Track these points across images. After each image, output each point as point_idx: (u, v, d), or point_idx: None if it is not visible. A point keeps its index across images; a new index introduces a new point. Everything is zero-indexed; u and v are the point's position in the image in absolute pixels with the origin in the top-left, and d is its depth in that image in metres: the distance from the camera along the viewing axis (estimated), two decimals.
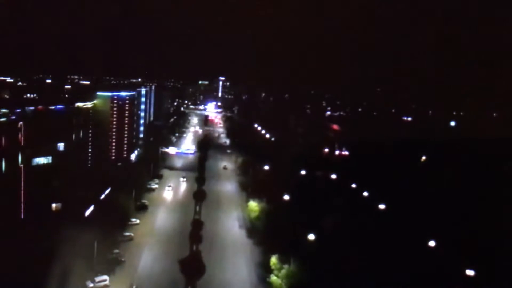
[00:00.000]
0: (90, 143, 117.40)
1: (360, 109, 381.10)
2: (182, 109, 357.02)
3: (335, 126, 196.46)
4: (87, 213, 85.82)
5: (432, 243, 76.91)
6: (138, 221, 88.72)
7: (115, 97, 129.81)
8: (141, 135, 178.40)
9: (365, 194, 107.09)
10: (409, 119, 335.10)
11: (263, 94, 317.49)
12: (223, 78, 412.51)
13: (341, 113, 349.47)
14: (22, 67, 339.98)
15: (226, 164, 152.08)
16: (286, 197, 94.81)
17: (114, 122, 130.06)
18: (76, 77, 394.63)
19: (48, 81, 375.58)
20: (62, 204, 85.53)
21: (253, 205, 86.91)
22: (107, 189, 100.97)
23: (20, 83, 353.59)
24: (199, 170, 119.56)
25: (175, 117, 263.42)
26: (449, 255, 71.50)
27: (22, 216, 77.45)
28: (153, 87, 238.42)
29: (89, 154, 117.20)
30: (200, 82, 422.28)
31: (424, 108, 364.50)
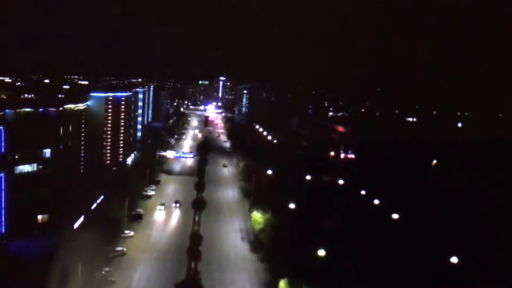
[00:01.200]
0: (82, 147, 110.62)
1: (363, 110, 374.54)
2: (181, 109, 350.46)
3: (339, 128, 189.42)
4: (76, 224, 78.81)
5: (454, 260, 69.80)
6: (132, 233, 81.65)
7: (110, 98, 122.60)
8: (139, 137, 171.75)
9: (376, 201, 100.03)
10: (414, 119, 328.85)
11: (264, 94, 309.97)
12: (223, 78, 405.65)
13: (345, 113, 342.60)
14: (22, 66, 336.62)
15: (226, 162, 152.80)
16: (292, 206, 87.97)
17: (109, 125, 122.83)
18: (76, 77, 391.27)
19: (46, 81, 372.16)
20: (49, 215, 78.51)
21: (257, 216, 79.82)
22: (99, 197, 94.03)
23: (19, 83, 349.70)
24: (199, 176, 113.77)
25: (174, 118, 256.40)
26: (475, 273, 64.73)
27: (2, 230, 70.43)
28: (151, 87, 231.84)
29: (81, 159, 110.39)
30: (200, 82, 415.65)
31: (428, 109, 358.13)
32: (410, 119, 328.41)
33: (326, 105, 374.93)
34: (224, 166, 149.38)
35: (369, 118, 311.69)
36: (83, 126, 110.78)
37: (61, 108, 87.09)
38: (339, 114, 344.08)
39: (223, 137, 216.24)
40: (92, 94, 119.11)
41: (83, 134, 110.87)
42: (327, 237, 73.25)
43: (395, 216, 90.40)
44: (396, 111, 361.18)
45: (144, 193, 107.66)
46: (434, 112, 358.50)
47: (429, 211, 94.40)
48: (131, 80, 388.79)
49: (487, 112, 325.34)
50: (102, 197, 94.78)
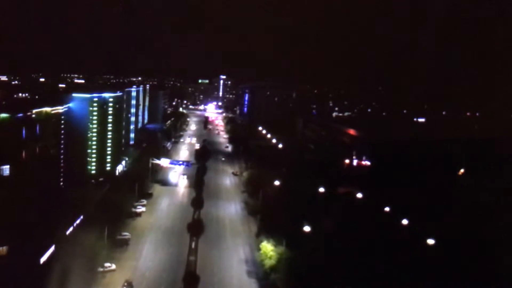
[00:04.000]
0: (62, 157, 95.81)
1: (369, 110, 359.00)
2: (180, 109, 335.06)
3: (351, 131, 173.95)
4: (44, 257, 63.91)
5: None
6: (113, 266, 66.62)
7: (95, 99, 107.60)
8: (132, 142, 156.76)
9: (404, 221, 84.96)
10: (423, 120, 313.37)
11: (268, 93, 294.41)
12: (224, 77, 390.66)
13: (351, 114, 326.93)
14: (20, 65, 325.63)
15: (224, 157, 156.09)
16: (307, 228, 73.29)
17: (94, 129, 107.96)
18: (76, 75, 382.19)
19: (42, 79, 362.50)
20: (9, 247, 63.56)
21: (268, 249, 64.57)
22: (78, 218, 79.16)
23: (16, 81, 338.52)
24: (197, 190, 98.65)
25: (172, 119, 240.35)
26: None
27: None
28: (147, 87, 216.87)
29: (61, 171, 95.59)
30: (200, 80, 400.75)
31: (437, 108, 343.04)
32: (419, 120, 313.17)
33: (331, 105, 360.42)
34: (223, 160, 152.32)
35: (378, 118, 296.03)
36: (62, 132, 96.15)
37: (23, 114, 71.60)
38: (345, 114, 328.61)
39: (224, 142, 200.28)
40: (74, 95, 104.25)
41: (62, 142, 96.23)
42: (355, 274, 58.87)
43: (430, 241, 75.68)
44: (404, 111, 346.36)
45: (133, 209, 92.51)
46: (444, 113, 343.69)
47: (470, 233, 79.61)
48: (131, 78, 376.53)
49: (498, 112, 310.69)
50: (81, 218, 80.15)
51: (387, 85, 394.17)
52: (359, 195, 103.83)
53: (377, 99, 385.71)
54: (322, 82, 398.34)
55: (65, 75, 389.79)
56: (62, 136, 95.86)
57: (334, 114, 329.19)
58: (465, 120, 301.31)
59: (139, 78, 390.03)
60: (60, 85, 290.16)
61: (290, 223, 74.01)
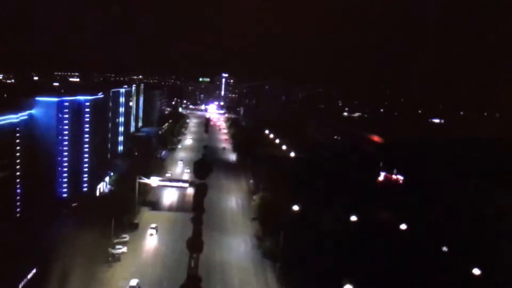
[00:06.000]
0: (18, 181, 73.23)
1: (381, 110, 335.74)
2: (180, 110, 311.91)
3: (375, 137, 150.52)
4: None
5: None
6: None
7: (66, 103, 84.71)
8: (120, 151, 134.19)
9: (476, 272, 62.42)
10: (437, 120, 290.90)
11: (274, 92, 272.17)
12: (226, 75, 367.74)
13: (362, 114, 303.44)
14: (17, 63, 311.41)
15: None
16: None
17: (65, 142, 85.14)
18: (76, 74, 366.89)
19: (36, 78, 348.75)
20: None
21: None
22: (29, 272, 56.53)
23: (12, 80, 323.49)
24: (194, 224, 75.73)
25: (170, 121, 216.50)
26: None
27: None
28: (141, 86, 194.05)
29: (17, 198, 73.05)
30: (201, 79, 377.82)
31: (454, 109, 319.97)
32: (435, 121, 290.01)
33: (340, 104, 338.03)
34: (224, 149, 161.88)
35: (392, 119, 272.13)
36: (18, 148, 73.54)
37: None
38: (356, 114, 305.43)
39: (228, 148, 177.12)
40: (37, 99, 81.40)
41: (19, 161, 73.65)
42: None
43: None
44: (419, 111, 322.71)
45: (111, 250, 69.55)
46: (462, 113, 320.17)
47: None
48: (132, 77, 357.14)
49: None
50: (34, 271, 57.51)
51: (396, 84, 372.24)
52: (403, 226, 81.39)
53: (387, 98, 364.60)
54: (327, 82, 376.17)
55: (63, 73, 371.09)
56: (18, 154, 73.27)
57: (345, 114, 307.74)
58: (484, 121, 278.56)
59: (140, 76, 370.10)
60: (54, 84, 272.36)
61: (324, 278, 51.70)
